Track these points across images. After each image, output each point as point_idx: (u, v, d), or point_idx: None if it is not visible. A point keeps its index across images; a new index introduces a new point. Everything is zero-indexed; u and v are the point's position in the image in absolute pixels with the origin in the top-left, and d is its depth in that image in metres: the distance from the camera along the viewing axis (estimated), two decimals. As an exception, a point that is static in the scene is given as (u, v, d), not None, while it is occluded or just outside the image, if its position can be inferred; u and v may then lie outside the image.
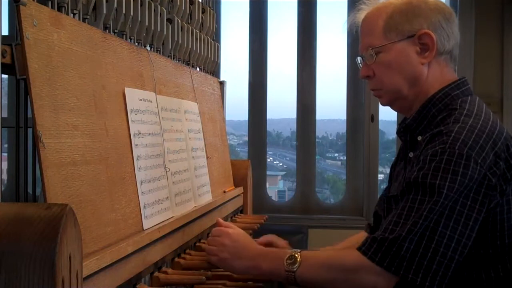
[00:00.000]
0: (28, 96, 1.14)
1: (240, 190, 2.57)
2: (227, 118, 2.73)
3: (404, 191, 1.38)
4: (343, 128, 4.05)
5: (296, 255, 1.42)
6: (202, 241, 1.96)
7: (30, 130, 1.16)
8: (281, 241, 1.76)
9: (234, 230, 1.59)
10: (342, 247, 1.79)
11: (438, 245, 1.30)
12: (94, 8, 1.50)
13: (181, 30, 2.08)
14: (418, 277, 1.30)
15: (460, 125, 1.37)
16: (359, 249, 1.37)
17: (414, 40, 1.49)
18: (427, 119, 1.49)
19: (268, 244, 1.72)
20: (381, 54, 1.51)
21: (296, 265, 1.41)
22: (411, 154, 1.51)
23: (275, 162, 5.17)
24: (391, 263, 1.31)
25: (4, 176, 3.42)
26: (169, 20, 1.95)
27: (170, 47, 1.98)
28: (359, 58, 1.60)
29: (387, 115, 3.99)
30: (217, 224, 1.71)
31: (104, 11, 1.52)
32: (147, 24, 1.77)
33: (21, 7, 1.14)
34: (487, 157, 1.33)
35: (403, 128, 1.56)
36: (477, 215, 1.32)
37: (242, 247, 1.52)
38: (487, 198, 1.33)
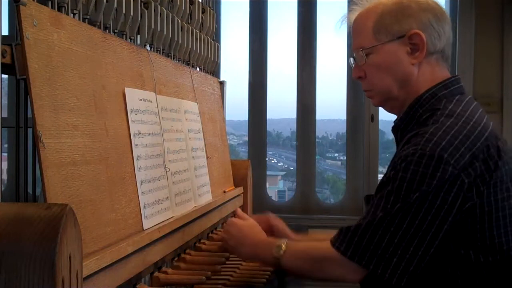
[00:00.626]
0: (28, 96, 1.14)
1: (240, 190, 2.57)
2: (227, 118, 2.73)
3: (377, 191, 1.42)
4: (343, 128, 4.05)
5: (283, 245, 1.52)
6: (202, 241, 1.96)
7: (30, 130, 1.17)
8: (276, 220, 1.84)
9: (242, 222, 1.74)
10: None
11: (401, 240, 1.33)
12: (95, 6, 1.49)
13: (181, 30, 2.08)
14: (379, 269, 1.34)
15: (436, 126, 1.37)
16: (330, 240, 1.43)
17: (404, 41, 1.49)
18: (414, 119, 1.49)
19: (264, 222, 1.80)
20: (371, 55, 1.52)
21: (281, 253, 1.51)
22: None
23: (275, 162, 5.17)
24: (354, 253, 1.37)
25: (4, 176, 3.42)
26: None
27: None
28: (351, 59, 1.60)
29: (387, 115, 3.94)
30: (235, 213, 1.89)
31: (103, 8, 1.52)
32: (147, 24, 1.77)
33: (21, 7, 1.14)
34: (461, 158, 1.32)
35: (392, 128, 1.59)
36: (446, 215, 1.32)
37: (244, 236, 1.66)
38: (458, 199, 1.32)
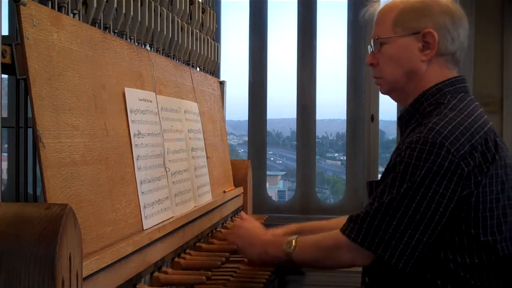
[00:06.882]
0: (28, 96, 1.14)
1: (240, 190, 2.57)
2: (227, 118, 2.73)
3: (383, 177, 1.49)
4: (343, 128, 4.04)
5: (293, 240, 1.60)
6: (202, 241, 1.96)
7: (30, 130, 1.17)
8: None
9: (249, 223, 1.84)
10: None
11: (407, 227, 1.40)
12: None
13: (181, 30, 2.08)
14: (386, 254, 1.41)
15: (440, 117, 1.46)
16: (340, 229, 1.50)
17: (418, 37, 1.56)
18: (419, 112, 1.57)
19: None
20: (385, 46, 1.60)
21: (292, 248, 1.59)
22: None
23: (275, 162, 5.17)
24: (364, 239, 1.44)
25: (4, 176, 3.41)
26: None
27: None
28: (369, 47, 1.68)
29: (387, 115, 3.97)
30: (240, 217, 2.01)
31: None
32: (147, 24, 1.77)
33: (21, 7, 1.14)
34: (461, 148, 1.40)
35: (398, 119, 1.66)
36: (448, 202, 1.40)
37: (253, 237, 1.75)
38: (459, 186, 1.40)
